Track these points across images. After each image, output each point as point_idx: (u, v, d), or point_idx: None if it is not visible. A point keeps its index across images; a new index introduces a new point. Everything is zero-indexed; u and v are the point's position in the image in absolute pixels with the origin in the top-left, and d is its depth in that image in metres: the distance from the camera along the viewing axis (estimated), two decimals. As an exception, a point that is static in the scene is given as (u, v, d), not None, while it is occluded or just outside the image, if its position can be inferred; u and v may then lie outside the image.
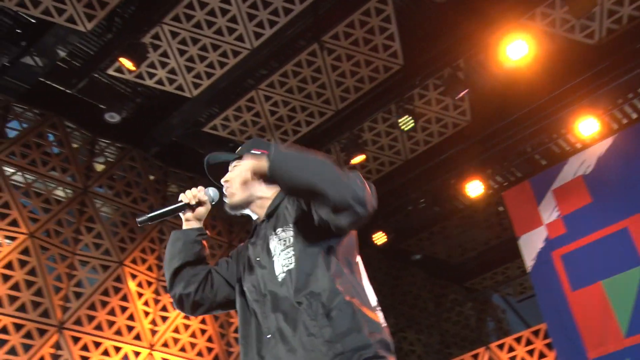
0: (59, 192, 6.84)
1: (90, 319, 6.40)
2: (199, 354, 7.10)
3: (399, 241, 9.17)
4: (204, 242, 2.09)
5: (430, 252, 9.99)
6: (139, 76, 6.53)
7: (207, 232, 2.15)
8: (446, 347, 9.57)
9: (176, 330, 7.04)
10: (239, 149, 2.13)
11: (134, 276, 6.97)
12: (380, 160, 8.04)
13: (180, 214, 2.07)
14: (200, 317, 7.18)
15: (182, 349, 6.96)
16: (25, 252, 6.19)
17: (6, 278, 5.96)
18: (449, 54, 6.56)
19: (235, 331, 7.49)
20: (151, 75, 6.57)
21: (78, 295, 6.46)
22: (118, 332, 6.56)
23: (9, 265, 6.02)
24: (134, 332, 6.64)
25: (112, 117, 6.63)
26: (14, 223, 6.24)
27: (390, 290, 9.63)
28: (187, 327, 7.16)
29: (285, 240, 1.88)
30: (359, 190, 1.72)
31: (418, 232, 9.56)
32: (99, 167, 7.29)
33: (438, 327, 9.73)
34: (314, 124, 7.36)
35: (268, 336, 1.80)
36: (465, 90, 6.53)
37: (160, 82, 6.64)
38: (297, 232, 1.87)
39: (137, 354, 6.56)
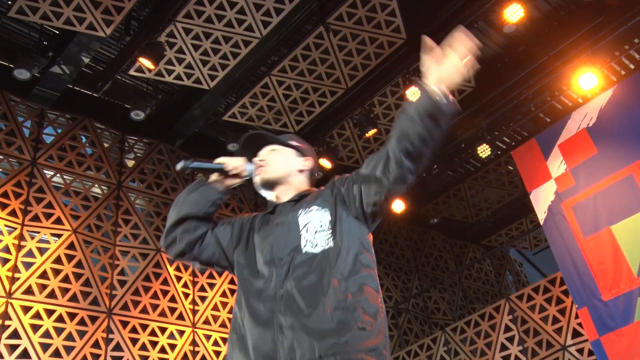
0: (96, 189, 7.30)
1: (136, 303, 6.89)
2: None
3: (417, 207, 9.57)
4: (220, 204, 2.12)
5: (447, 215, 10.39)
6: (158, 74, 6.89)
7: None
8: (469, 302, 10.03)
9: (215, 308, 7.53)
10: (281, 136, 2.21)
11: (171, 261, 7.45)
12: (392, 132, 8.37)
13: (215, 177, 2.11)
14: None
15: (223, 325, 7.47)
16: (71, 246, 6.67)
17: (57, 272, 6.45)
18: (449, 24, 6.80)
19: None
20: (170, 72, 6.92)
21: (122, 282, 6.91)
22: (162, 314, 7.04)
23: (58, 260, 6.52)
24: (176, 313, 7.12)
25: (138, 115, 7.04)
26: (58, 221, 6.72)
27: (412, 255, 10.07)
28: (224, 304, 7.66)
29: (321, 221, 1.90)
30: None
31: (434, 197, 9.95)
32: (130, 163, 7.74)
33: (460, 284, 10.18)
34: (326, 104, 7.71)
35: (278, 297, 1.80)
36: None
37: (178, 77, 6.99)
38: (336, 217, 1.90)
39: (181, 332, 7.06)
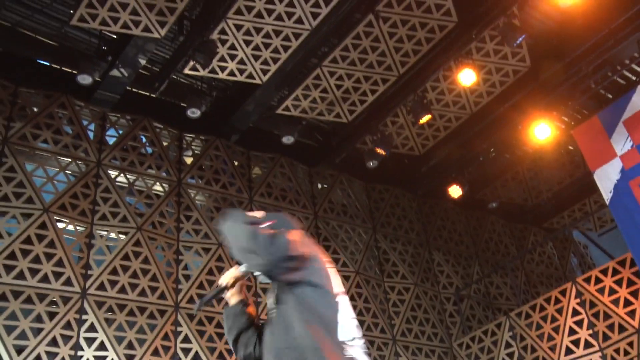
0: (157, 187, 7.51)
1: (201, 297, 7.01)
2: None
3: (474, 192, 9.42)
4: (249, 309, 2.46)
5: (506, 199, 10.18)
6: (212, 71, 6.98)
7: (250, 296, 2.66)
8: (532, 286, 9.82)
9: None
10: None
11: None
12: (446, 117, 8.28)
13: (225, 294, 2.46)
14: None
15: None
16: (137, 244, 6.88)
17: (126, 268, 6.68)
18: (502, 3, 6.66)
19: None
20: (223, 69, 7.01)
21: (187, 277, 7.08)
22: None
23: (126, 257, 6.74)
24: (241, 304, 7.24)
25: (194, 113, 7.20)
26: (124, 219, 6.95)
27: (472, 240, 9.92)
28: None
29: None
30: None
31: (492, 181, 9.77)
32: (188, 160, 7.92)
33: (522, 268, 9.97)
34: (378, 92, 7.66)
35: None
36: (523, 36, 6.62)
37: (231, 73, 7.07)
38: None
39: (246, 323, 7.18)
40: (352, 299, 8.04)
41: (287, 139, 8.07)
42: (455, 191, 8.66)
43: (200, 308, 2.43)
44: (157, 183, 7.49)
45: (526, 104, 7.76)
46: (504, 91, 7.81)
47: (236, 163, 8.24)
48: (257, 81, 7.21)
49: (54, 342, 5.95)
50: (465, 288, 9.10)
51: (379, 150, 7.93)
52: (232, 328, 2.42)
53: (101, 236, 6.81)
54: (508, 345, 8.00)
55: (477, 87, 7.76)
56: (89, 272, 6.42)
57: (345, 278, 8.20)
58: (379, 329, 8.11)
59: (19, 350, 5.70)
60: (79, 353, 6.00)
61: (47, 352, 5.83)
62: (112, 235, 6.88)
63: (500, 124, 8.09)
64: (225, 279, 2.43)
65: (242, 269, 2.39)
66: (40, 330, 5.92)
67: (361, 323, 7.94)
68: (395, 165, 8.94)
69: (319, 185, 8.97)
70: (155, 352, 6.38)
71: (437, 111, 8.09)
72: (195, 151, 7.99)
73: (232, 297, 2.46)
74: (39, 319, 5.95)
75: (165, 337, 6.55)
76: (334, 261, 8.01)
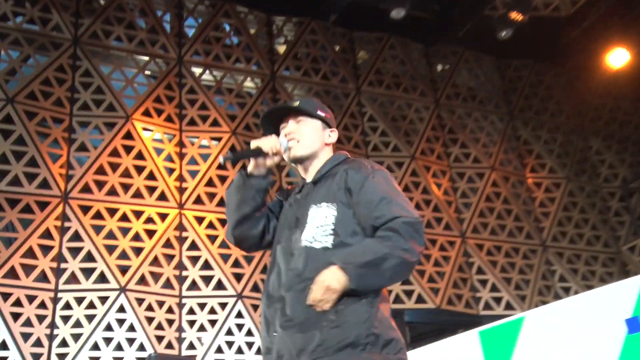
0: (248, 84, 6.55)
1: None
2: (428, 224, 6.57)
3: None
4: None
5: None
6: None
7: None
8: None
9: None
10: (299, 103, 2.23)
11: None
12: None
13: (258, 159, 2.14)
14: (421, 191, 6.60)
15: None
16: (233, 149, 6.07)
17: (223, 179, 5.90)
18: None
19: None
20: None
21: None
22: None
23: (222, 166, 5.94)
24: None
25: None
26: (215, 123, 6.11)
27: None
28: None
29: (327, 217, 2.01)
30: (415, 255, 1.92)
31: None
32: (281, 49, 6.82)
33: None
34: None
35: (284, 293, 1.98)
36: None
37: None
38: (339, 216, 2.00)
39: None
40: (488, 200, 6.83)
41: (397, 13, 6.63)
42: (617, 58, 6.88)
43: (230, 159, 2.15)
44: (248, 78, 6.51)
45: None
46: None
47: (337, 48, 7.04)
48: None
49: (155, 262, 5.39)
50: (635, 180, 7.45)
51: (515, 15, 6.48)
52: (248, 202, 2.15)
53: (192, 144, 6.04)
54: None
55: None
56: (184, 184, 5.76)
57: (478, 176, 6.99)
58: (524, 234, 6.84)
59: (123, 270, 5.20)
60: (184, 273, 5.43)
61: (151, 273, 5.30)
62: (205, 142, 6.07)
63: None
64: (267, 144, 2.14)
65: (284, 144, 2.16)
66: (140, 249, 5.36)
67: (502, 228, 6.77)
68: (535, 33, 7.27)
69: (439, 67, 7.61)
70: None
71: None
72: (288, 37, 6.86)
73: (258, 168, 2.16)
74: (136, 237, 5.40)
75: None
76: (463, 156, 6.88)
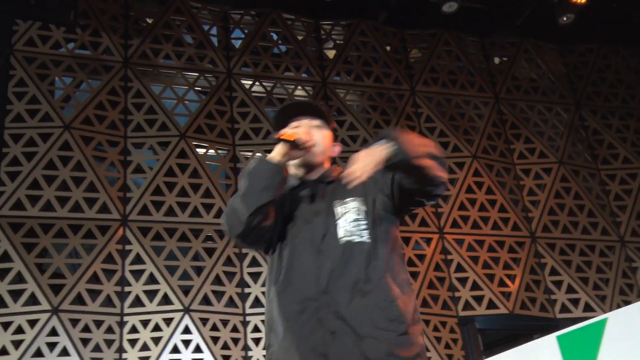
0: (299, 92, 6.38)
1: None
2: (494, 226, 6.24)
3: None
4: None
5: None
6: None
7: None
8: None
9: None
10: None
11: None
12: None
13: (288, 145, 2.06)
14: (485, 191, 6.27)
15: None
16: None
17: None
18: None
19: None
20: None
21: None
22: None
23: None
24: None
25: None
26: (268, 135, 5.98)
27: None
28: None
29: (358, 210, 2.03)
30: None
31: None
32: (330, 54, 6.63)
33: None
34: None
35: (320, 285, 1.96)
36: None
37: None
38: (370, 207, 2.04)
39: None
40: (558, 196, 6.43)
41: (449, 7, 6.34)
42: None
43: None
44: (299, 87, 6.34)
45: None
46: None
47: (388, 48, 6.76)
48: None
49: (217, 281, 5.31)
50: None
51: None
52: (271, 189, 2.02)
53: (246, 158, 5.93)
54: None
55: None
56: (237, 201, 5.62)
57: (545, 172, 6.58)
58: (599, 229, 6.39)
59: (185, 291, 5.15)
60: (246, 290, 5.31)
61: (214, 292, 5.22)
62: (259, 154, 5.95)
63: None
64: (305, 136, 2.08)
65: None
66: (200, 269, 5.29)
67: (574, 224, 6.36)
68: (599, 15, 6.81)
69: (497, 60, 7.19)
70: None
71: None
72: (337, 41, 6.64)
73: (283, 158, 2.06)
74: (197, 257, 5.34)
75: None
76: (528, 152, 6.52)
